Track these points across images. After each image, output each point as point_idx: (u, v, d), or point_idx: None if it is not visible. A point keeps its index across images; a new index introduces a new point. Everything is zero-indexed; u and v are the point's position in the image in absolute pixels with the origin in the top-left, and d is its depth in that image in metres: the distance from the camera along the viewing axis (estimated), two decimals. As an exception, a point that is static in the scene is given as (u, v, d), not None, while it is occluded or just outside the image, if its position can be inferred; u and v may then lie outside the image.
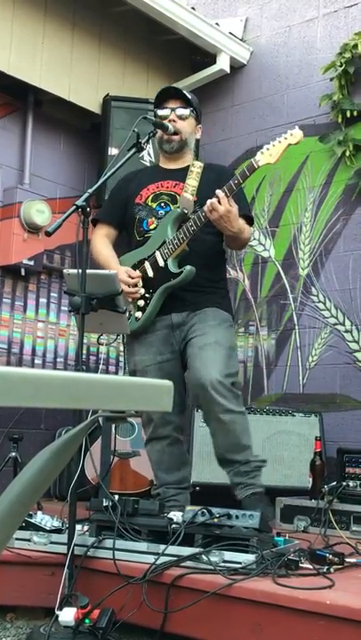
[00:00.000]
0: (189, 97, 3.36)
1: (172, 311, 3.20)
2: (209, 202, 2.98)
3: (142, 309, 3.21)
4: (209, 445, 3.30)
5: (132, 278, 3.19)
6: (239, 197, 3.17)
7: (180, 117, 3.29)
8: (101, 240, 3.38)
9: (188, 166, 3.31)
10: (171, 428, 3.24)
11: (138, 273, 3.20)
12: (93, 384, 0.79)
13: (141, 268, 3.22)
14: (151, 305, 3.19)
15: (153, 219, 3.25)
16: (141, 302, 3.22)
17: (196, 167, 3.29)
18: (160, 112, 3.30)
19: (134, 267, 3.24)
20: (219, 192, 2.97)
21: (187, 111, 3.30)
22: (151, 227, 3.26)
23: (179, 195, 3.24)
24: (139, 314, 3.22)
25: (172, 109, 3.30)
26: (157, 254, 3.18)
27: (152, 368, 3.23)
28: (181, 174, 3.29)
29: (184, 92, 3.38)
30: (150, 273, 3.20)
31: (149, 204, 3.28)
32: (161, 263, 3.17)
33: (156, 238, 3.21)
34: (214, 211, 2.97)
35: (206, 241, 3.18)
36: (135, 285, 3.19)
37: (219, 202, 2.96)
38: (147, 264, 3.21)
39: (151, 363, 3.23)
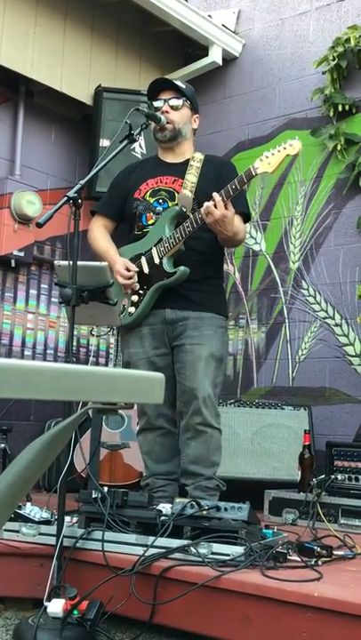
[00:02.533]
0: (183, 87, 3.35)
1: (166, 306, 3.20)
2: (205, 205, 2.98)
3: (136, 305, 3.22)
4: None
5: (129, 271, 3.18)
6: (238, 194, 3.14)
7: (173, 107, 3.28)
8: (99, 230, 3.38)
9: (188, 160, 3.29)
10: (163, 420, 3.26)
11: (135, 267, 3.20)
12: (85, 376, 0.79)
13: (137, 263, 3.22)
14: (144, 301, 3.20)
15: (151, 214, 3.25)
16: (135, 297, 3.22)
17: (196, 161, 3.28)
18: (154, 104, 3.30)
19: (132, 260, 3.24)
20: (215, 195, 2.96)
21: (179, 101, 3.29)
22: (150, 222, 3.25)
23: (177, 192, 3.22)
24: (132, 309, 3.23)
25: (165, 100, 3.29)
26: (154, 251, 3.18)
27: (144, 362, 3.24)
28: (181, 169, 3.27)
29: (177, 82, 3.36)
30: (146, 269, 3.20)
31: (147, 199, 3.27)
32: (156, 260, 3.17)
33: (154, 234, 3.21)
34: (210, 214, 2.97)
35: (204, 238, 3.16)
36: (131, 278, 3.19)
37: (215, 205, 2.95)
38: (143, 259, 3.21)
39: (144, 356, 3.25)
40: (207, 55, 5.25)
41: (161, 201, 3.25)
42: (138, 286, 3.20)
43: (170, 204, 3.22)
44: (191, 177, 3.23)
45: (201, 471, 3.15)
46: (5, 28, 4.52)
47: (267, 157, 2.95)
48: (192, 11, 5.07)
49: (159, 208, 3.24)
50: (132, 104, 3.89)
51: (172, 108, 3.28)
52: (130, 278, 3.18)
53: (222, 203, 2.95)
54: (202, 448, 3.15)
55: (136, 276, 3.20)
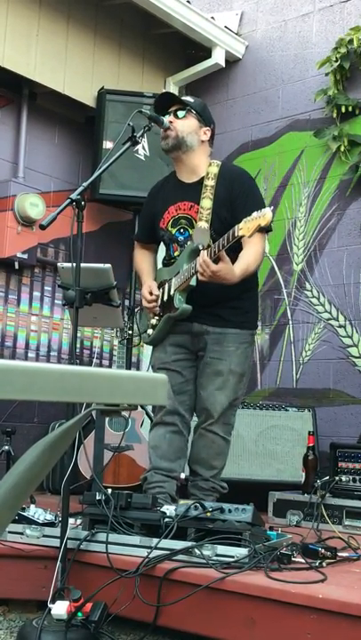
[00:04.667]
0: (191, 101, 3.37)
1: (194, 320, 3.24)
2: (198, 265, 3.00)
3: (153, 327, 3.35)
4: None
5: (151, 295, 3.31)
6: (254, 209, 3.02)
7: (177, 116, 3.30)
8: (140, 252, 3.58)
9: (203, 178, 3.29)
10: (178, 418, 3.29)
11: (158, 292, 3.32)
12: (88, 377, 0.79)
13: (162, 289, 3.33)
14: (158, 327, 3.32)
15: (176, 244, 3.33)
16: (154, 321, 3.34)
17: (210, 179, 3.27)
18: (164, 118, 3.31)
19: (161, 283, 3.35)
20: (203, 255, 2.98)
21: (183, 111, 3.30)
22: (175, 253, 3.33)
23: (195, 220, 3.25)
24: (150, 331, 3.36)
25: (171, 112, 3.31)
26: (173, 282, 3.27)
27: (168, 366, 3.29)
28: (196, 190, 3.28)
29: (185, 98, 3.39)
30: (165, 297, 3.30)
31: (170, 229, 3.34)
32: (171, 292, 3.26)
33: (177, 266, 3.28)
34: (203, 275, 2.99)
35: (231, 258, 3.10)
36: (154, 301, 3.31)
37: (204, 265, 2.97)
38: (165, 287, 3.31)
39: (167, 360, 3.31)
40: (210, 57, 5.25)
41: (182, 230, 3.31)
42: (158, 309, 3.32)
43: (190, 231, 3.27)
44: (206, 202, 3.23)
45: (200, 471, 3.25)
46: (8, 30, 4.52)
47: (248, 222, 2.93)
48: (195, 12, 5.07)
49: (181, 238, 3.31)
50: (135, 106, 3.90)
51: (176, 117, 3.30)
52: (152, 302, 3.31)
53: (208, 263, 2.96)
54: (203, 450, 3.23)
55: (159, 300, 3.32)
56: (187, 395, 3.28)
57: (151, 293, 3.32)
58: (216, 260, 2.98)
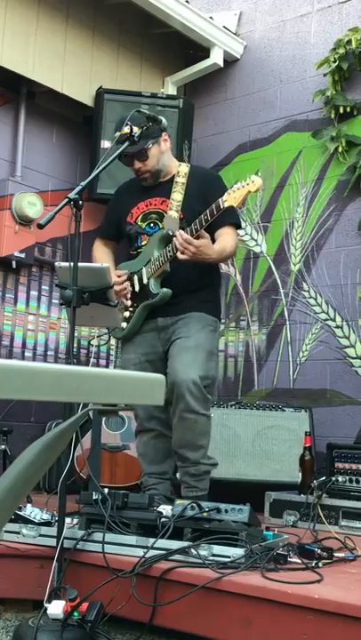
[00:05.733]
0: (135, 130, 3.11)
1: (158, 315, 3.30)
2: (178, 243, 3.03)
3: (127, 320, 3.34)
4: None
5: (119, 277, 3.29)
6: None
7: (141, 160, 3.26)
8: (98, 251, 3.56)
9: (174, 176, 3.33)
10: (155, 422, 3.34)
11: (124, 273, 3.31)
12: (85, 377, 0.78)
13: (131, 282, 3.33)
14: (133, 319, 3.32)
15: (145, 236, 3.35)
16: (127, 313, 3.34)
17: (181, 176, 3.33)
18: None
19: (127, 278, 3.34)
20: (181, 234, 3.02)
21: (137, 148, 3.17)
22: (143, 243, 3.35)
23: (165, 212, 3.29)
24: (124, 324, 3.35)
25: (130, 160, 3.26)
26: (143, 271, 3.29)
27: (136, 367, 3.32)
28: (167, 187, 3.33)
29: (125, 124, 3.13)
30: (137, 287, 3.32)
31: (139, 223, 3.36)
32: (145, 280, 3.28)
33: (145, 255, 3.32)
34: (185, 252, 3.02)
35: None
36: (124, 282, 3.29)
37: (186, 241, 3.00)
38: (135, 278, 3.32)
39: (136, 362, 3.34)
40: (208, 57, 5.25)
41: (152, 225, 3.34)
42: (129, 302, 3.31)
43: (160, 225, 3.30)
44: (177, 195, 3.29)
45: (187, 455, 3.18)
46: (7, 29, 4.52)
47: (233, 192, 3.00)
48: (193, 12, 5.07)
49: (151, 232, 3.33)
50: (134, 105, 3.90)
51: (140, 161, 3.26)
52: (122, 284, 3.29)
53: (191, 241, 3.00)
54: (187, 433, 3.17)
55: (129, 284, 3.31)
56: None
57: (119, 276, 3.29)
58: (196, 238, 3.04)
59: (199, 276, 3.27)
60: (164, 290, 3.24)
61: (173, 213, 3.26)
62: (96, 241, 3.60)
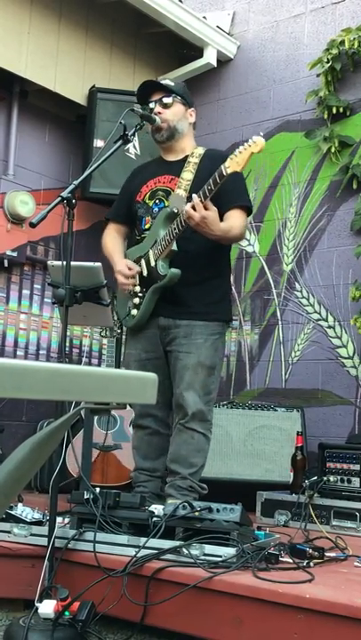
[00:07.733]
0: (171, 84, 3.35)
1: (160, 314, 3.21)
2: (185, 209, 2.96)
3: (137, 307, 3.23)
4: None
5: (130, 270, 3.20)
6: (235, 187, 3.13)
7: (165, 106, 3.28)
8: (109, 236, 3.45)
9: (187, 157, 3.28)
10: (151, 419, 3.29)
11: (137, 268, 3.21)
12: (77, 376, 0.78)
13: (139, 265, 3.23)
14: (144, 304, 3.20)
15: (149, 217, 3.27)
16: (137, 300, 3.23)
17: (195, 157, 3.27)
18: (148, 107, 3.29)
19: (135, 262, 3.25)
20: (195, 197, 2.94)
21: (169, 99, 3.28)
22: (147, 226, 3.27)
23: (173, 190, 3.21)
24: (135, 311, 3.24)
25: (156, 101, 3.29)
26: (150, 253, 3.18)
27: (135, 364, 3.27)
28: (179, 166, 3.26)
29: (164, 82, 3.36)
30: (145, 271, 3.21)
31: (147, 201, 3.29)
32: (152, 263, 3.16)
33: (151, 237, 3.22)
34: (190, 218, 2.94)
35: (194, 239, 3.10)
36: (132, 277, 3.20)
37: (194, 208, 2.92)
38: (142, 262, 3.22)
39: (136, 359, 3.28)
40: (202, 57, 5.25)
41: (158, 201, 3.25)
42: (138, 288, 3.21)
43: (166, 202, 3.22)
44: (187, 174, 3.22)
45: (178, 469, 3.13)
46: (0, 27, 4.51)
47: (235, 156, 2.90)
48: (187, 12, 5.07)
49: (156, 209, 3.24)
50: (127, 104, 3.88)
51: (163, 106, 3.27)
52: (132, 277, 3.20)
53: (200, 204, 2.92)
54: (181, 447, 3.14)
55: (137, 278, 3.21)
56: (158, 392, 3.20)
57: (130, 269, 3.21)
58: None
59: (201, 267, 3.17)
60: (173, 270, 3.10)
61: (181, 192, 3.18)
62: (108, 226, 3.51)
